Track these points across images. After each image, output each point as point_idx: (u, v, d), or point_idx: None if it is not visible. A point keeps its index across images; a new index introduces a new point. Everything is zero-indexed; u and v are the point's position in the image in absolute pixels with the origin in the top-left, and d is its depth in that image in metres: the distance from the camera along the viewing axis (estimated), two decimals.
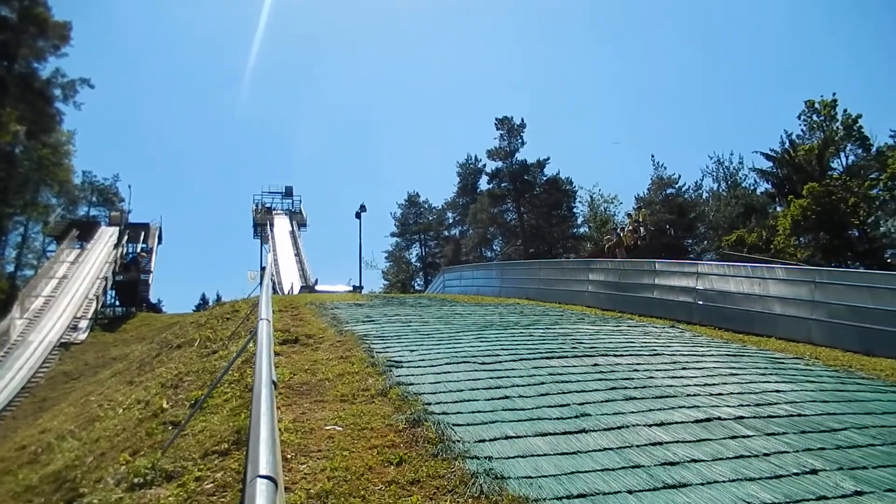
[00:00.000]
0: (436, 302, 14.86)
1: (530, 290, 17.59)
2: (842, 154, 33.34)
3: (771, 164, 36.20)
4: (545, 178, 48.42)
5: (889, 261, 29.55)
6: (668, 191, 42.61)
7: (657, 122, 76.84)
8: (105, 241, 33.40)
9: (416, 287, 47.78)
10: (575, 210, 48.19)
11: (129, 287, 29.96)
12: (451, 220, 53.97)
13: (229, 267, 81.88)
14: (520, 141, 48.62)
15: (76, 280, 27.37)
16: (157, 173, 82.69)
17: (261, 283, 9.68)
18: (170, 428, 5.38)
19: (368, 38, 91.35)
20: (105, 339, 21.83)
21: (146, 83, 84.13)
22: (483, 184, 51.20)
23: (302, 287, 28.36)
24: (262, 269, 22.03)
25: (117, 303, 30.03)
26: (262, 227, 41.30)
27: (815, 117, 34.02)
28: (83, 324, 23.22)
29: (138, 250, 35.40)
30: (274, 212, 43.41)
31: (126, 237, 35.29)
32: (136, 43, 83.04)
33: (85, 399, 11.00)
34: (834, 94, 33.03)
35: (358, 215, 31.10)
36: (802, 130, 34.73)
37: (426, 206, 54.17)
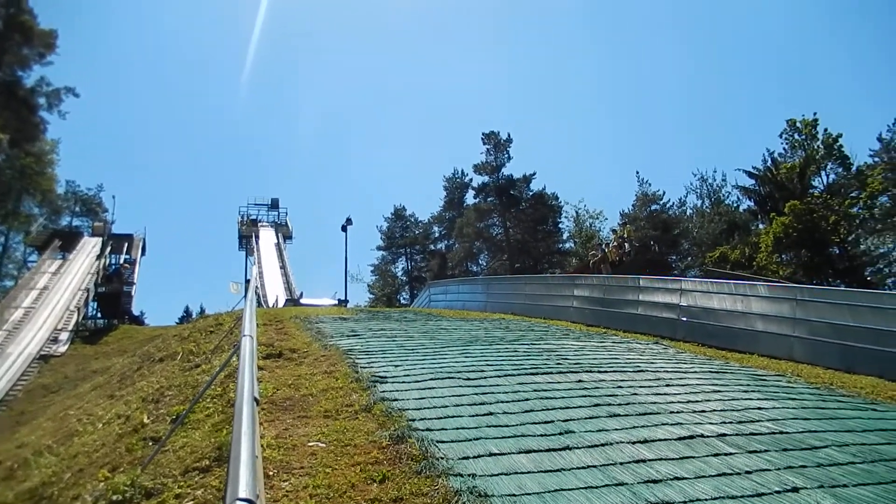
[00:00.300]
0: (421, 316, 14.84)
1: (516, 306, 17.62)
2: (823, 172, 33.84)
3: (753, 181, 36.66)
4: (531, 193, 48.66)
5: (869, 279, 29.97)
6: (653, 207, 42.95)
7: (642, 139, 77.67)
8: (88, 252, 33.03)
9: (402, 301, 47.67)
10: (560, 225, 48.47)
11: (111, 299, 29.58)
12: (437, 234, 54.02)
13: (213, 279, 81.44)
14: (506, 156, 48.91)
15: (57, 291, 27.01)
16: (142, 184, 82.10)
17: (245, 297, 9.59)
18: (150, 443, 5.32)
19: (356, 52, 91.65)
20: (86, 351, 21.53)
21: (132, 93, 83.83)
22: (469, 198, 51.42)
23: (287, 300, 28.19)
24: (247, 281, 21.87)
25: (99, 314, 29.64)
26: (247, 240, 41.05)
27: (796, 136, 34.55)
28: (64, 336, 22.88)
29: (121, 261, 34.99)
30: (259, 224, 43.20)
31: (109, 248, 34.91)
32: (123, 52, 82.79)
33: (64, 413, 10.82)
34: (815, 114, 33.65)
35: (344, 228, 31.01)
36: (784, 149, 35.24)
37: (412, 220, 54.21)
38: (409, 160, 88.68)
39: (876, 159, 33.81)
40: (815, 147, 33.71)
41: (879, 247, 31.92)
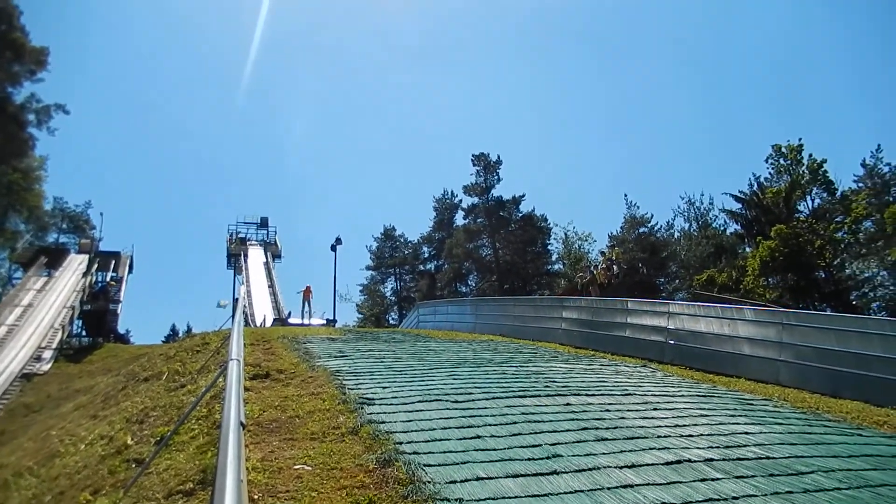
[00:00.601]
0: (410, 337, 14.79)
1: (504, 327, 17.61)
2: (808, 197, 34.26)
3: (740, 205, 37.02)
4: (520, 215, 48.88)
5: (854, 303, 30.24)
6: (641, 230, 43.23)
7: (631, 162, 78.42)
8: (74, 270, 32.78)
9: (391, 321, 47.49)
10: (549, 247, 48.66)
11: (96, 317, 29.31)
12: (426, 255, 54.03)
13: (201, 298, 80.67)
14: (496, 177, 49.18)
15: (42, 309, 26.74)
16: (130, 201, 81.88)
17: (233, 317, 9.54)
18: (133, 465, 5.25)
19: (347, 72, 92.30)
20: (69, 370, 21.26)
21: (122, 110, 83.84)
22: (459, 219, 51.58)
23: (274, 319, 28.03)
24: (235, 300, 21.76)
25: (84, 333, 29.33)
26: (235, 258, 40.89)
27: (781, 161, 35.00)
28: (47, 354, 22.62)
29: (108, 279, 34.73)
30: (248, 242, 43.08)
31: (96, 265, 34.68)
32: (113, 70, 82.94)
33: (46, 433, 10.66)
34: (800, 140, 34.14)
35: (333, 248, 30.96)
36: (770, 174, 35.69)
37: (402, 240, 54.23)
38: (400, 181, 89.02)
39: (860, 185, 34.39)
40: (801, 172, 34.17)
41: (864, 271, 32.27)
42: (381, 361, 9.72)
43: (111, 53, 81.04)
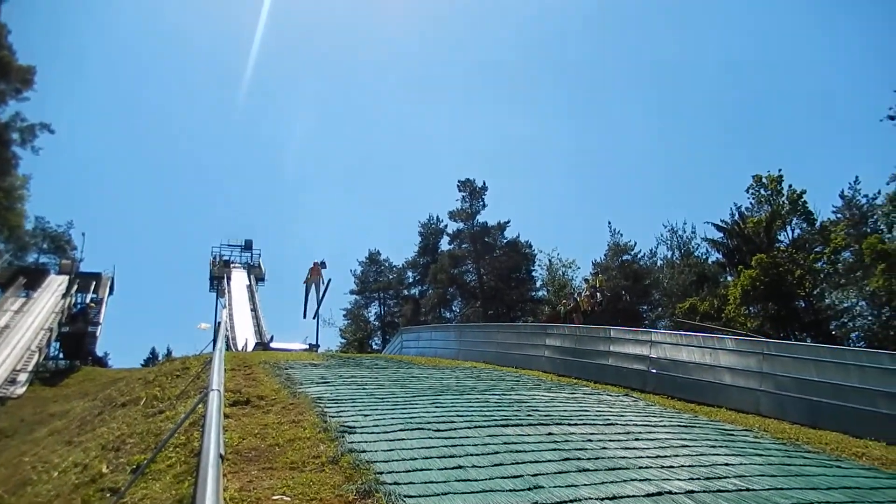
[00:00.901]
0: (392, 363, 14.72)
1: (488, 354, 17.58)
2: (788, 227, 34.78)
3: (722, 234, 37.48)
4: (505, 241, 49.06)
5: (834, 333, 30.58)
6: (625, 257, 43.55)
7: (615, 190, 79.25)
8: (53, 291, 32.28)
9: (374, 346, 47.18)
10: (534, 273, 48.80)
11: (75, 339, 28.83)
12: (411, 280, 53.92)
13: (182, 320, 79.86)
14: (481, 203, 49.42)
15: (19, 330, 26.26)
16: (113, 222, 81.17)
17: (214, 342, 9.46)
18: (108, 495, 5.15)
19: (335, 96, 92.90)
20: (45, 394, 20.82)
21: (108, 130, 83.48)
22: (444, 244, 51.64)
23: (256, 344, 27.70)
24: (217, 324, 21.54)
25: (61, 355, 28.82)
26: (218, 281, 40.54)
27: (762, 191, 35.57)
28: (22, 377, 22.15)
29: (88, 301, 34.27)
30: (232, 265, 42.76)
31: (76, 287, 34.20)
32: (98, 89, 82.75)
33: (18, 460, 10.40)
34: (780, 170, 34.78)
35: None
36: (751, 203, 36.22)
37: (387, 265, 54.11)
38: (386, 205, 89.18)
39: (839, 216, 34.97)
40: (781, 202, 34.74)
41: (843, 301, 32.67)
42: (364, 388, 9.66)
43: (96, 72, 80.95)
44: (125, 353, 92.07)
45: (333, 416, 7.07)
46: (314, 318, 24.04)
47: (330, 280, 21.29)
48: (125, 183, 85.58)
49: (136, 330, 77.15)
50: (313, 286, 22.11)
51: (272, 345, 25.67)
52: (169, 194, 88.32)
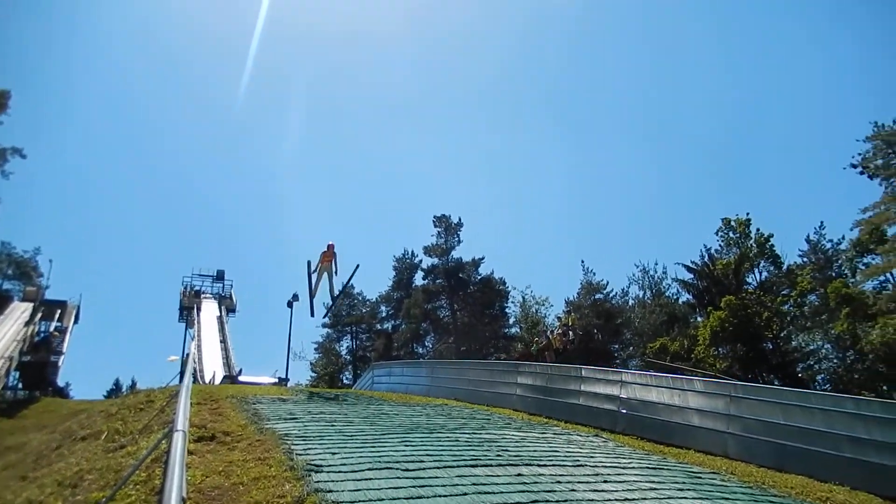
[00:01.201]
0: (363, 399, 14.56)
1: (459, 391, 17.48)
2: (756, 270, 35.46)
3: (692, 275, 38.03)
4: (479, 277, 49.18)
5: (800, 375, 31.02)
6: (597, 296, 43.86)
7: (588, 229, 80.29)
8: (16, 318, 31.44)
9: (345, 381, 46.58)
10: (507, 310, 48.85)
11: (36, 369, 28.05)
12: (384, 314, 53.59)
13: (149, 351, 77.98)
14: (456, 239, 49.65)
15: None
16: (82, 248, 79.64)
17: (181, 376, 9.29)
18: None
19: (309, 129, 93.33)
20: (1, 425, 20.11)
21: (78, 156, 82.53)
22: (418, 279, 51.54)
23: (224, 377, 27.23)
24: (186, 356, 21.14)
25: (20, 385, 27.94)
26: (188, 311, 40.02)
27: (731, 234, 36.32)
28: None
29: (51, 329, 33.42)
30: (203, 295, 42.28)
31: (40, 314, 33.39)
32: (71, 115, 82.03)
33: None
34: (748, 214, 35.62)
35: (290, 304, 30.61)
36: (720, 245, 36.92)
37: (360, 299, 53.76)
38: (361, 239, 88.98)
39: (805, 260, 35.84)
40: (749, 245, 35.49)
41: (809, 344, 33.25)
42: (332, 425, 9.53)
43: (69, 98, 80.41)
44: (88, 384, 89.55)
45: (300, 454, 6.96)
46: (327, 313, 21.94)
47: (357, 266, 17.53)
48: (96, 209, 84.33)
49: (101, 360, 75.27)
50: (325, 275, 17.62)
51: (241, 378, 25.27)
52: (142, 222, 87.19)
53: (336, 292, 18.15)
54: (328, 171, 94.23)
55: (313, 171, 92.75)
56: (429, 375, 21.29)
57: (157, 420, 9.29)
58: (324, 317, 19.89)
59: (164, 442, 5.58)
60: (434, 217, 49.92)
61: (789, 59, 76.43)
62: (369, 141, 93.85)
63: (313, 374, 50.06)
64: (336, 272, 17.25)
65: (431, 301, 48.62)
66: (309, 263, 17.36)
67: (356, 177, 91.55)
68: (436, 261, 49.92)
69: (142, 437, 8.44)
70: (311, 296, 17.39)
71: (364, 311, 53.21)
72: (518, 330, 46.81)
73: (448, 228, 49.61)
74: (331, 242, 17.16)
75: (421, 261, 51.78)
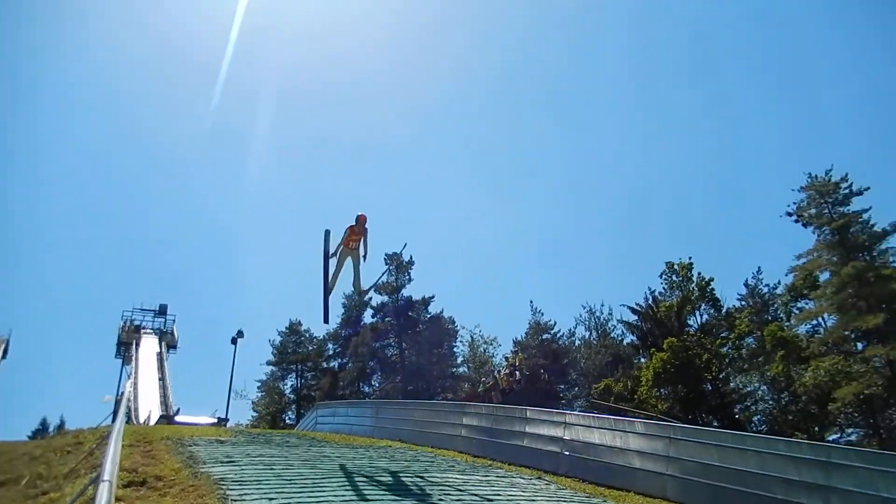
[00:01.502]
0: (305, 441, 14.24)
1: (404, 432, 17.26)
2: (697, 312, 36.54)
3: (636, 317, 38.90)
4: (429, 316, 49.05)
5: (738, 416, 31.83)
6: (544, 336, 44.25)
7: (536, 270, 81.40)
8: None
9: (288, 420, 45.37)
10: (456, 349, 48.70)
11: None
12: (331, 352, 52.68)
13: (83, 389, 74.16)
14: (407, 277, 49.50)
15: None
16: (14, 281, 76.00)
17: (114, 416, 8.92)
18: None
19: (261, 161, 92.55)
20: None
21: (11, 182, 79.51)
22: (368, 317, 51.03)
23: (161, 416, 26.25)
24: (120, 395, 20.30)
25: None
26: (126, 347, 38.57)
27: (674, 277, 37.46)
28: None
29: None
30: (143, 330, 40.94)
31: None
32: (11, 140, 79.31)
33: None
34: (690, 258, 36.85)
35: (234, 341, 29.88)
36: (664, 288, 37.98)
37: (307, 336, 52.82)
38: (311, 274, 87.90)
39: (743, 303, 37.10)
40: (691, 289, 36.63)
41: (747, 385, 34.20)
42: (271, 469, 9.28)
43: (14, 125, 77.88)
44: (11, 423, 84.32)
45: (235, 500, 6.77)
46: (366, 293, 16.44)
47: (406, 244, 13.27)
48: (30, 239, 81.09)
49: (29, 398, 71.23)
50: (349, 261, 12.41)
51: (178, 418, 24.37)
52: (81, 253, 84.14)
53: (364, 286, 13.19)
54: (279, 205, 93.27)
55: (266, 206, 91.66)
56: (373, 416, 20.98)
57: (84, 464, 8.89)
58: (363, 294, 16.69)
59: (90, 488, 5.35)
60: (385, 255, 49.79)
61: (729, 107, 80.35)
62: (323, 177, 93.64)
63: (255, 414, 48.65)
64: (365, 257, 12.44)
65: (380, 339, 48.14)
66: (327, 237, 12.27)
67: (309, 212, 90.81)
68: (386, 299, 49.63)
69: (67, 483, 8.05)
70: (328, 290, 12.43)
71: (311, 348, 52.27)
72: (466, 369, 46.72)
73: (399, 266, 49.51)
74: (361, 214, 12.27)
75: (370, 298, 51.38)
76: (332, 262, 12.23)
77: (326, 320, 13.17)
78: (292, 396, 50.72)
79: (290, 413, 48.66)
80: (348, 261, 12.31)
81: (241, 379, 51.72)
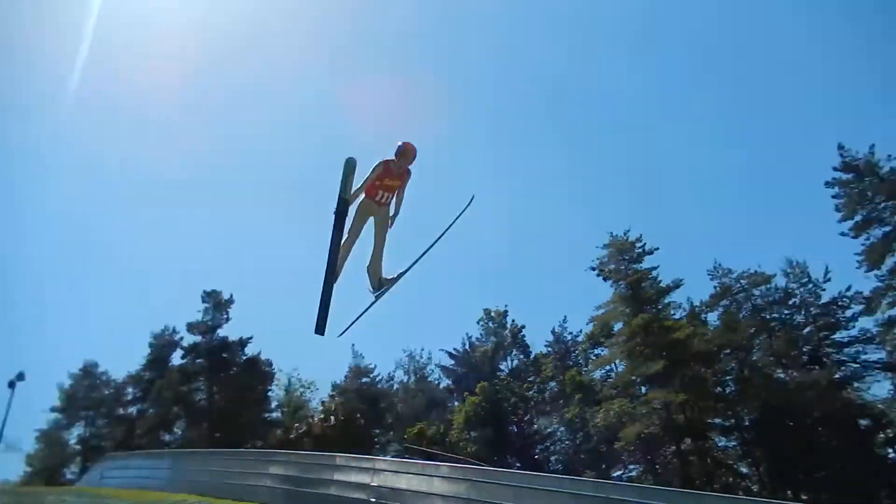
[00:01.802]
0: (86, 499, 12.80)
1: (204, 484, 16.16)
2: (508, 358, 38.75)
3: (453, 361, 40.29)
4: (245, 358, 46.69)
5: (536, 457, 33.89)
6: (364, 380, 44.09)
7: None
8: None
9: (70, 475, 40.30)
10: (271, 393, 46.69)
11: None
12: (131, 397, 47.97)
13: None
14: (225, 316, 46.79)
15: None
16: None
17: None
18: None
19: (69, 198, 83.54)
20: None
21: None
22: (177, 358, 47.34)
23: None
24: None
25: None
26: None
27: (490, 324, 39.55)
28: None
29: None
30: None
31: None
32: None
33: None
34: (506, 306, 39.32)
35: (12, 384, 26.09)
36: (481, 334, 39.90)
37: (104, 379, 47.72)
38: (114, 312, 79.83)
39: (549, 350, 39.98)
40: (504, 335, 38.85)
41: (548, 427, 36.63)
42: None
43: None
44: None
45: None
46: (391, 284, 8.80)
47: (473, 197, 8.34)
48: None
49: None
50: (371, 220, 8.18)
51: None
52: None
53: (388, 272, 8.65)
54: (89, 239, 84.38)
55: (73, 235, 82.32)
56: (171, 468, 19.39)
57: None
58: (400, 273, 8.37)
59: None
60: (204, 292, 46.84)
61: (536, 165, 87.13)
62: (136, 210, 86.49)
63: (28, 469, 42.64)
64: (392, 222, 8.30)
65: (188, 382, 44.78)
66: (350, 169, 7.67)
67: (120, 246, 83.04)
68: (199, 338, 46.48)
69: None
70: (333, 274, 7.99)
71: (107, 392, 47.28)
72: (280, 415, 44.93)
73: (217, 305, 46.75)
74: (409, 143, 7.94)
75: (182, 338, 47.77)
76: (346, 229, 7.75)
77: (321, 328, 8.00)
78: (78, 447, 45.28)
79: (74, 467, 43.33)
80: (370, 223, 8.00)
81: (15, 428, 45.24)
